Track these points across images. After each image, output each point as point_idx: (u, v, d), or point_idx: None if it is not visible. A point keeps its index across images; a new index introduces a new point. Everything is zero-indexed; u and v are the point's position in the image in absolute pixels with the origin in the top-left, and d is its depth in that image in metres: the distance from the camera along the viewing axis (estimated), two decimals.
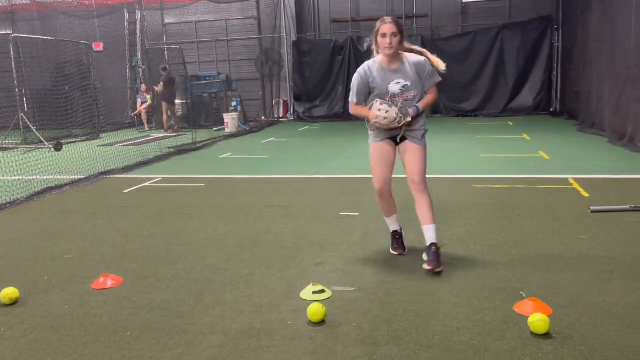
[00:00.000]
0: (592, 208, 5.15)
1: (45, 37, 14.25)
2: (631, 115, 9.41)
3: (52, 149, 11.03)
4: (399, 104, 3.76)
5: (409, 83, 3.78)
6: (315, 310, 3.07)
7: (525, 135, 11.25)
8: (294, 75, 17.60)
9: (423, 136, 3.92)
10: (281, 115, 18.08)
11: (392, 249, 4.22)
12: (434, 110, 16.72)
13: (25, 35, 13.04)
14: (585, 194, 5.85)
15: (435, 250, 3.80)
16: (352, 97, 3.92)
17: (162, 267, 4.10)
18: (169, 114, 15.18)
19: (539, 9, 16.13)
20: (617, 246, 4.16)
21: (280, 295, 3.50)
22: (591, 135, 10.76)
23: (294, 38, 17.58)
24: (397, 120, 3.74)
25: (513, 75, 16.09)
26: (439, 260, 3.76)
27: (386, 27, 3.70)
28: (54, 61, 15.50)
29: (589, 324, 2.93)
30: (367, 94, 3.87)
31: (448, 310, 3.19)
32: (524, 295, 3.30)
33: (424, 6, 17.11)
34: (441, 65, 3.87)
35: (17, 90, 12.10)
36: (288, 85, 17.93)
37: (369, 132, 4.02)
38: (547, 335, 2.81)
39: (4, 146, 11.70)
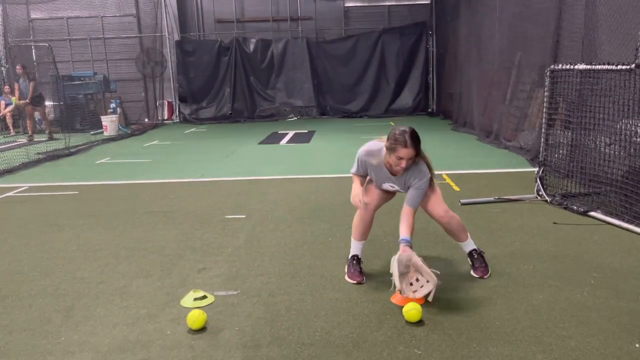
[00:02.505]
0: (462, 201, 5.54)
1: None
2: (496, 114, 10.31)
3: None
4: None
5: (399, 189, 3.66)
6: (195, 318, 2.96)
7: None
8: (178, 76, 17.02)
9: (428, 175, 3.55)
10: (166, 117, 17.40)
11: (350, 276, 3.68)
12: (321, 112, 17.12)
13: None
14: (457, 188, 6.29)
15: (479, 256, 3.71)
16: (353, 169, 3.74)
17: (25, 284, 3.74)
18: (39, 117, 13.99)
19: (414, 15, 17.13)
20: (482, 235, 4.50)
21: (159, 304, 3.34)
22: (463, 134, 11.61)
23: (176, 38, 17.01)
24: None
25: (394, 78, 16.91)
26: (485, 266, 3.69)
27: (405, 152, 3.34)
28: None
29: (456, 308, 3.13)
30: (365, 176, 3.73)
31: (330, 305, 3.24)
32: None
33: (308, 9, 17.40)
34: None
35: None
36: (172, 86, 17.30)
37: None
38: (420, 323, 2.96)
39: None
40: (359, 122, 15.54)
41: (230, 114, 16.84)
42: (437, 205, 3.65)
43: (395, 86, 16.96)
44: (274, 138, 12.18)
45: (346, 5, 17.53)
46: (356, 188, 3.68)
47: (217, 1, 17.29)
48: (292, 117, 16.94)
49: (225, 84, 16.95)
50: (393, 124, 14.47)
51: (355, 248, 3.78)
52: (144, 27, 17.13)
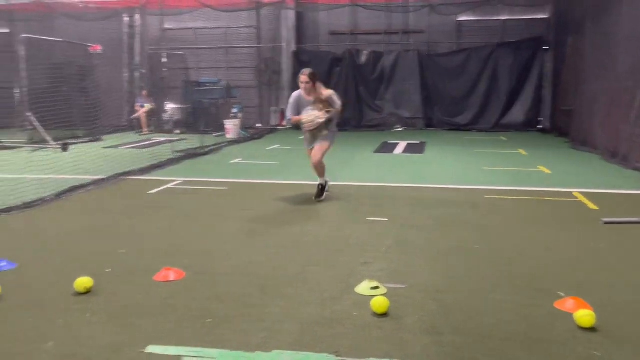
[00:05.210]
0: (605, 220, 5.55)
1: (53, 39, 14.26)
2: (622, 134, 9.96)
3: (60, 150, 11.10)
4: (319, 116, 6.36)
5: (315, 110, 6.31)
6: (381, 303, 3.35)
7: (521, 151, 11.74)
8: (293, 85, 17.87)
9: (329, 137, 6.57)
10: (277, 123, 18.34)
11: (316, 196, 6.66)
12: (428, 124, 17.27)
13: (35, 36, 13.06)
14: (593, 207, 6.27)
15: (321, 188, 6.67)
16: (288, 113, 6.57)
17: (216, 263, 4.34)
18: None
19: (531, 29, 16.81)
20: (636, 254, 4.54)
21: (337, 290, 3.77)
22: (584, 152, 11.29)
23: (293, 48, 17.92)
24: (318, 117, 6.27)
25: (505, 92, 16.71)
26: (321, 193, 6.65)
27: (302, 77, 6.33)
28: (53, 62, 15.49)
29: (627, 321, 3.27)
30: (298, 110, 6.44)
31: (496, 305, 3.51)
32: (563, 295, 3.64)
33: (421, 22, 17.64)
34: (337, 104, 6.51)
35: (23, 89, 12.14)
36: (287, 95, 18.19)
37: (304, 138, 6.68)
38: (592, 329, 3.14)
39: (8, 145, 11.70)
40: (467, 135, 15.50)
41: (339, 122, 17.40)
42: (316, 154, 6.50)
43: (506, 101, 16.75)
44: (387, 148, 12.53)
45: (459, 19, 17.57)
46: (298, 117, 6.41)
47: (332, 14, 17.99)
48: (398, 128, 17.23)
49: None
50: (505, 139, 14.31)
51: (319, 180, 6.74)
52: (263, 38, 18.22)
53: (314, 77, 6.32)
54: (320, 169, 6.63)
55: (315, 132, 6.49)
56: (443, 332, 3.13)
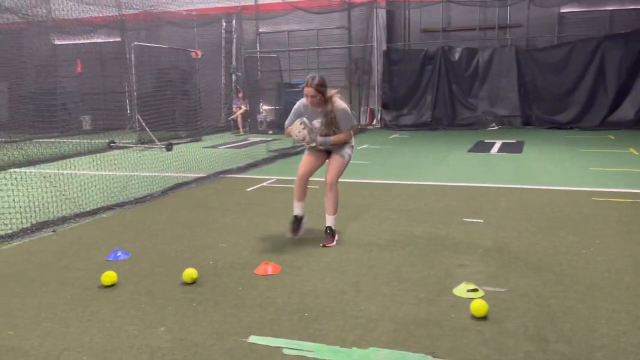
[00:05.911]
0: None
1: (160, 45, 15.30)
2: None
3: (164, 149, 11.87)
4: (314, 131, 4.81)
5: (323, 124, 4.84)
6: (480, 305, 3.25)
7: (632, 150, 10.84)
8: (383, 84, 17.80)
9: (345, 153, 4.95)
10: (367, 123, 18.35)
11: (289, 233, 5.02)
12: (525, 122, 16.44)
13: (145, 44, 14.09)
14: None
15: (330, 232, 4.89)
16: (287, 122, 4.99)
17: (310, 258, 4.43)
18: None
19: None
20: None
21: (433, 291, 3.71)
22: None
23: (384, 48, 17.82)
24: (306, 140, 4.82)
25: (613, 88, 15.50)
26: (331, 239, 4.85)
27: (307, 90, 4.71)
28: (158, 67, 16.61)
29: None
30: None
31: (608, 315, 3.27)
32: None
33: (519, 16, 16.83)
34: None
35: (133, 93, 13.13)
36: (376, 94, 18.16)
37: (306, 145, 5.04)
38: None
39: (120, 145, 12.70)
40: (569, 134, 14.56)
41: (430, 121, 17.11)
42: (331, 171, 4.93)
43: (614, 97, 15.53)
44: (482, 146, 12.09)
45: (562, 11, 16.56)
46: (292, 127, 4.82)
47: (424, 12, 17.67)
48: (493, 126, 16.57)
49: (427, 92, 17.27)
50: (613, 137, 13.30)
51: (295, 208, 5.04)
52: (353, 38, 18.30)
53: (323, 87, 4.67)
54: (334, 195, 4.94)
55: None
56: (549, 340, 2.98)
